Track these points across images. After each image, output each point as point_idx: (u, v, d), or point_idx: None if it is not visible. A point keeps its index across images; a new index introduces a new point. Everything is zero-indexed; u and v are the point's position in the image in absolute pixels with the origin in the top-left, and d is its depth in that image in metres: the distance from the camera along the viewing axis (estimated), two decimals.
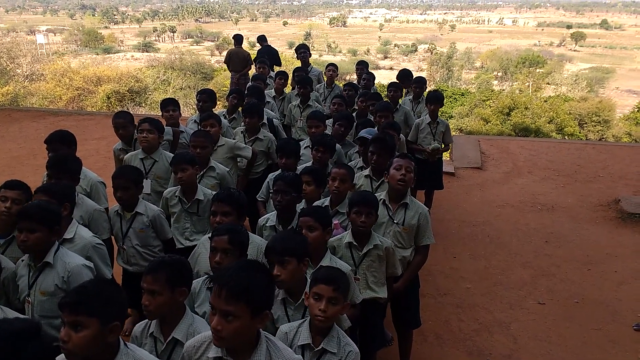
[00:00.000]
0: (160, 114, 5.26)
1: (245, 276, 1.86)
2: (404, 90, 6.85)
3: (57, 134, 4.08)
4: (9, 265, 2.82)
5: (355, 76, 8.04)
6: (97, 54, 60.23)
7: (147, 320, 2.38)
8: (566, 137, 23.25)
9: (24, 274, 2.79)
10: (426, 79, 7.38)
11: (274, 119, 5.87)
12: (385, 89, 6.63)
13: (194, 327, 2.32)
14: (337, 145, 4.54)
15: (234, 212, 2.99)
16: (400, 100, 6.50)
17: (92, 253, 3.07)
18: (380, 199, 3.46)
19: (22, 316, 2.44)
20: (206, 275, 2.80)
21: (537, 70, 50.14)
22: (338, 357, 2.30)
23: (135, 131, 4.53)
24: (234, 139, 5.03)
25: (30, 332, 1.55)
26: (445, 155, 9.08)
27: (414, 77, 7.08)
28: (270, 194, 3.73)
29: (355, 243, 3.16)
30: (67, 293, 1.95)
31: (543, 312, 4.78)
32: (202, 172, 4.14)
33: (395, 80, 7.04)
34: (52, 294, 2.70)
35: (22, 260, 2.84)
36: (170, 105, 5.13)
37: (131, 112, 5.10)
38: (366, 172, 4.07)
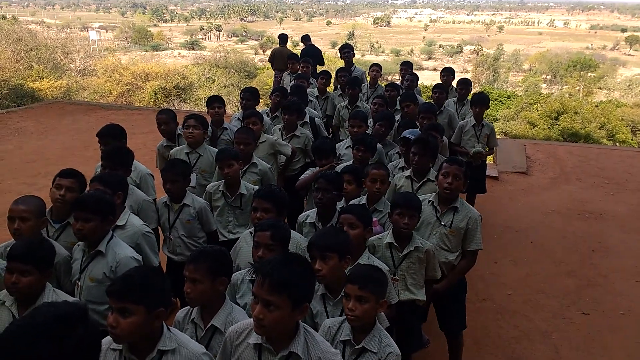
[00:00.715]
0: (206, 110, 5.38)
1: (288, 269, 1.91)
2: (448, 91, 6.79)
3: (109, 127, 4.24)
4: (61, 252, 2.95)
5: (398, 76, 7.99)
6: (146, 51, 61.98)
7: (189, 307, 2.47)
8: (617, 144, 22.34)
9: (78, 258, 2.93)
10: (471, 80, 7.26)
11: (315, 118, 5.91)
12: (430, 90, 6.60)
13: (232, 316, 2.39)
14: (379, 145, 4.54)
15: (275, 209, 3.03)
16: (444, 102, 6.43)
17: (141, 240, 3.19)
18: (430, 200, 3.46)
19: (71, 299, 2.55)
20: (250, 267, 2.84)
21: (589, 74, 48.34)
22: (378, 357, 2.30)
23: (181, 127, 4.67)
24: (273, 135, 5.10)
25: (78, 315, 1.61)
26: (490, 159, 8.90)
27: (459, 78, 7.00)
28: (312, 192, 3.77)
29: (395, 244, 3.16)
30: (114, 281, 2.04)
31: (587, 323, 4.63)
32: (244, 168, 4.23)
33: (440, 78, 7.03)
34: (100, 282, 2.81)
35: (79, 245, 2.97)
36: (216, 102, 5.21)
37: (174, 109, 5.24)
38: (407, 172, 4.05)
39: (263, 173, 4.33)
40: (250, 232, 3.03)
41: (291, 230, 3.24)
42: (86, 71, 26.54)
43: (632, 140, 24.55)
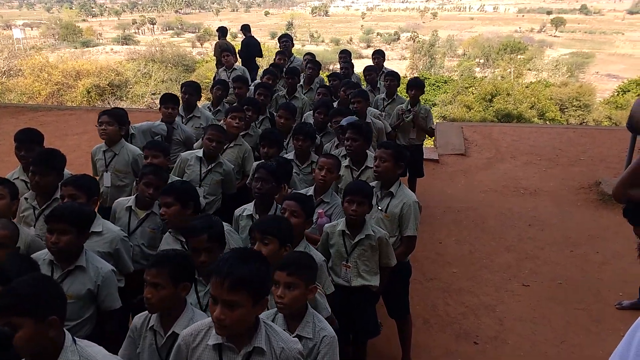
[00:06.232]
0: (145, 107, 5.19)
1: (246, 265, 1.87)
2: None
3: (27, 132, 3.98)
4: None
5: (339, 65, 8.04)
6: (76, 48, 59.24)
7: (147, 312, 2.36)
8: (547, 122, 23.53)
9: (43, 271, 2.66)
10: (399, 74, 6.74)
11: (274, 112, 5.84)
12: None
13: (194, 321, 2.28)
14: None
15: (177, 202, 2.99)
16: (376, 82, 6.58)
17: (120, 245, 3.06)
18: (372, 186, 3.52)
19: None
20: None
21: (519, 56, 50.33)
22: (313, 342, 2.28)
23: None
24: None
25: (5, 338, 1.54)
26: (429, 142, 9.14)
27: (387, 70, 6.90)
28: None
29: (347, 231, 3.19)
30: None
31: (528, 294, 4.87)
32: (209, 167, 4.14)
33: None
34: (80, 298, 2.64)
35: (44, 259, 2.71)
36: (170, 102, 4.93)
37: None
38: (346, 162, 4.09)
39: (227, 174, 4.22)
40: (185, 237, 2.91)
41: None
42: (12, 72, 25.11)
43: (560, 117, 25.93)
